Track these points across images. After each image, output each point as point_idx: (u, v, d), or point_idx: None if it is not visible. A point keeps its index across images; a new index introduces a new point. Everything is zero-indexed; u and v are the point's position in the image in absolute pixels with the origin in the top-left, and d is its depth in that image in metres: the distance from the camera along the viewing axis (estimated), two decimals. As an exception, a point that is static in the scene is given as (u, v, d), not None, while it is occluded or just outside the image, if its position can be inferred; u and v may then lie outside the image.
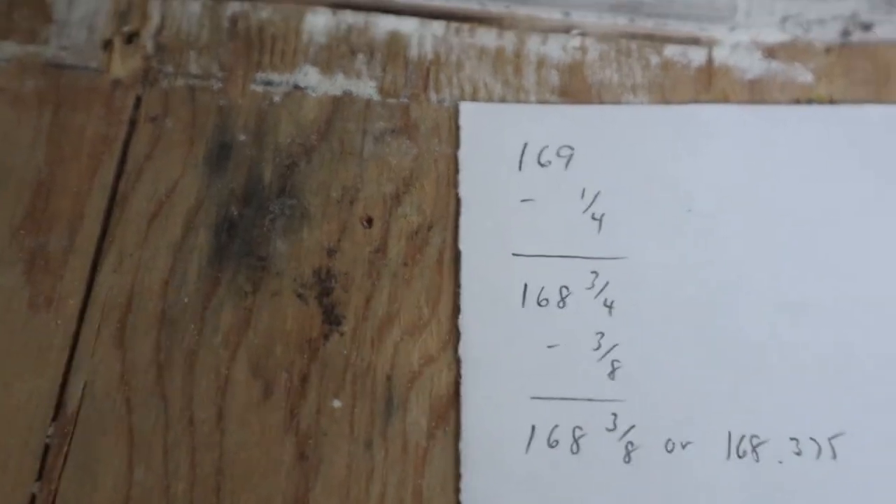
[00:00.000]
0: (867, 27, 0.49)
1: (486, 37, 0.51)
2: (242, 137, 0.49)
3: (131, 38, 0.51)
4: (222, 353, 0.44)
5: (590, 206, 0.47)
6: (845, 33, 0.50)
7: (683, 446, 0.42)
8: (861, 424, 0.43)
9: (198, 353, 0.44)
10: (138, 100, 0.50)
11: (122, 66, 0.50)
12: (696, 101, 0.49)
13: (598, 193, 0.47)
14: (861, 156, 0.47)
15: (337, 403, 0.43)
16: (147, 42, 0.51)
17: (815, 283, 0.45)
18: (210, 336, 0.45)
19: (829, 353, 0.44)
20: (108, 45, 0.51)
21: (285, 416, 0.43)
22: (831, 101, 0.49)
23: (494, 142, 0.48)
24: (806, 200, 0.47)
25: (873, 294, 0.45)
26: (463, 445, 0.42)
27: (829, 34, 0.50)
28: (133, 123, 0.49)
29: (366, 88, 0.50)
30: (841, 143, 0.48)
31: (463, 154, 0.48)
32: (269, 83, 0.50)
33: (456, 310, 0.45)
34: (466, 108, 0.49)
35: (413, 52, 0.50)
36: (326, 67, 0.50)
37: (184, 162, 0.48)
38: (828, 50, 0.50)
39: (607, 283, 0.45)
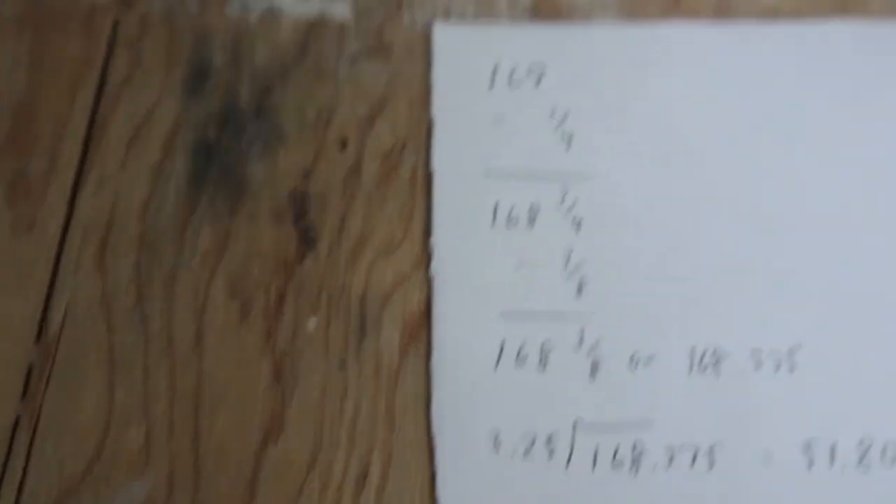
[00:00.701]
0: (834, -60, 0.50)
1: (459, -44, 0.51)
2: (219, 60, 0.49)
3: (108, -38, 0.51)
4: (201, 275, 0.46)
5: (560, 125, 0.47)
6: (813, -53, 0.50)
7: (647, 361, 0.43)
8: (818, 336, 0.44)
9: (177, 275, 0.46)
10: (116, 24, 0.50)
11: (100, -11, 0.51)
12: (665, 17, 0.49)
13: (568, 112, 0.48)
14: (827, 70, 0.48)
15: (312, 323, 0.45)
16: (123, -35, 0.51)
17: (776, 198, 0.46)
18: (189, 257, 0.46)
19: (788, 267, 0.45)
20: (84, -32, 0.51)
21: (262, 337, 0.44)
22: (798, 16, 0.49)
23: (466, 62, 0.49)
24: (773, 116, 0.47)
25: (834, 208, 0.46)
26: (434, 363, 0.43)
27: (797, -51, 0.50)
28: (111, 47, 0.50)
29: (341, 10, 0.50)
30: (807, 58, 0.48)
31: (435, 75, 0.49)
32: (245, 6, 0.50)
33: (428, 229, 0.46)
34: (439, 30, 0.49)
35: (387, -27, 0.51)
36: (301, -11, 0.51)
37: (161, 85, 0.49)
38: (796, -35, 0.50)
39: (577, 201, 0.46)
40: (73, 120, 0.48)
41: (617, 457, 0.42)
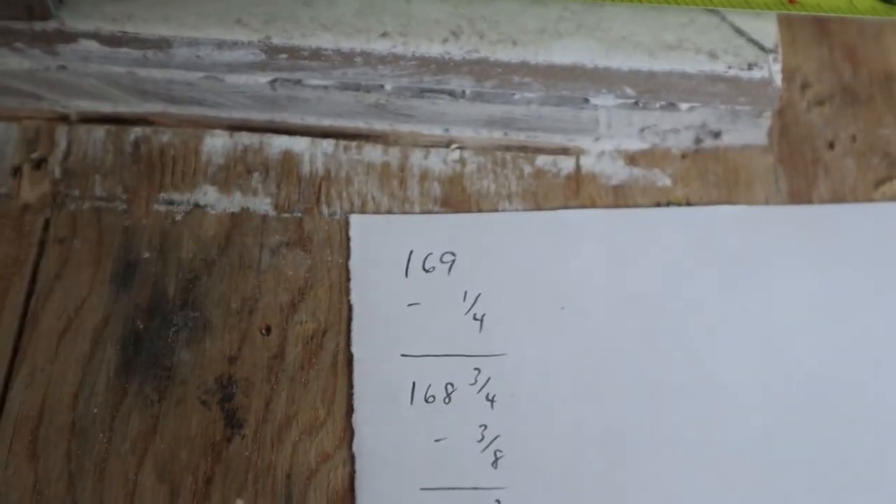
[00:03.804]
0: (716, 135, 0.54)
1: (373, 153, 0.55)
2: (147, 255, 0.52)
3: (39, 165, 0.54)
4: (130, 460, 0.47)
5: (471, 308, 0.50)
6: (697, 140, 0.54)
7: (562, 529, 0.46)
8: (721, 501, 0.47)
9: (107, 461, 0.47)
10: (47, 222, 0.53)
11: (31, 190, 0.53)
12: (566, 206, 0.53)
13: (479, 295, 0.51)
14: (715, 252, 0.52)
15: (240, 503, 0.46)
16: (55, 168, 0.54)
17: (674, 369, 0.49)
18: (119, 444, 0.48)
19: (691, 434, 0.48)
20: (17, 171, 0.54)
21: (191, 518, 0.46)
22: (688, 203, 0.54)
23: (382, 251, 0.52)
24: (667, 294, 0.51)
25: (727, 378, 0.49)
26: (358, 537, 0.45)
27: (683, 142, 0.55)
28: (42, 245, 0.52)
29: (262, 205, 0.53)
30: (697, 240, 0.52)
31: (354, 263, 0.52)
32: (171, 203, 0.53)
33: (350, 409, 0.48)
34: (356, 220, 0.53)
35: (305, 170, 0.54)
36: (224, 186, 0.54)
37: (91, 280, 0.51)
38: (683, 156, 0.55)
39: (489, 379, 0.49)
40: (5, 317, 0.50)
41: None
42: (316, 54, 0.51)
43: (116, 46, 0.52)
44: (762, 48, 0.51)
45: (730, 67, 0.51)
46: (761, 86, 0.51)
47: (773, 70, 0.51)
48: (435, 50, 0.51)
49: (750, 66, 0.51)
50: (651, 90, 0.52)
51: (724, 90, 0.51)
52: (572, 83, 0.52)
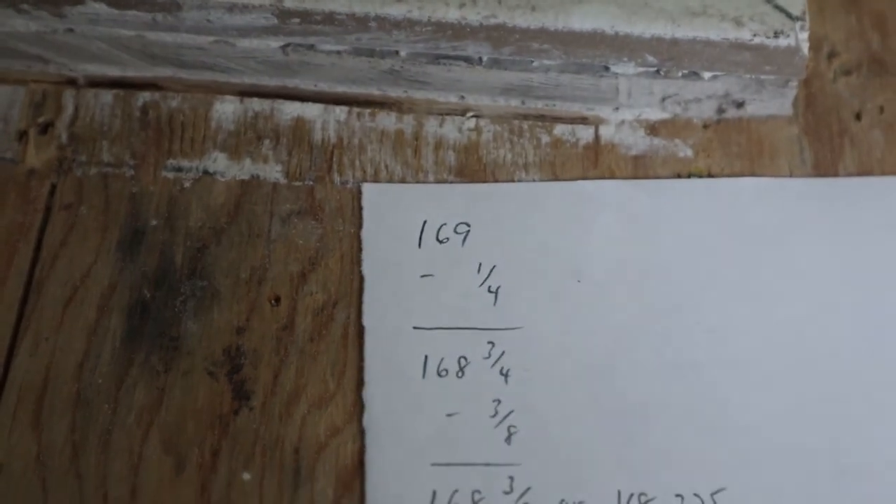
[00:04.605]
0: (740, 105, 0.52)
1: (387, 120, 0.53)
2: (154, 222, 0.51)
3: (46, 129, 0.53)
4: (135, 432, 0.46)
5: (486, 280, 0.49)
6: (720, 111, 0.53)
7: (576, 506, 0.44)
8: (741, 479, 0.45)
9: (112, 433, 0.46)
10: (53, 188, 0.52)
11: (37, 156, 0.52)
12: (584, 177, 0.52)
13: (494, 267, 0.50)
14: (737, 225, 0.50)
15: (247, 476, 0.45)
16: (61, 132, 0.53)
17: (693, 345, 0.48)
18: (124, 415, 0.47)
19: (709, 411, 0.47)
20: (22, 136, 0.53)
21: (197, 491, 0.45)
22: (710, 174, 0.52)
23: (395, 220, 0.51)
24: (686, 268, 0.50)
25: (747, 354, 0.48)
26: (367, 513, 0.44)
27: (705, 112, 0.53)
28: (48, 211, 0.51)
29: (272, 172, 0.52)
30: (719, 213, 0.51)
31: (366, 233, 0.50)
32: (179, 169, 0.52)
33: (360, 382, 0.47)
34: (368, 189, 0.51)
35: (317, 137, 0.53)
36: (234, 153, 0.52)
37: (98, 248, 0.50)
38: (705, 126, 0.53)
39: (503, 353, 0.48)
40: (9, 283, 0.49)
41: None
42: (329, 18, 0.50)
43: (125, 9, 0.50)
44: (789, 15, 0.50)
45: (755, 35, 0.49)
46: (787, 54, 0.50)
47: (800, 38, 0.49)
48: (451, 15, 0.50)
49: (776, 34, 0.49)
50: (673, 58, 0.50)
51: (749, 59, 0.50)
52: (592, 50, 0.50)
